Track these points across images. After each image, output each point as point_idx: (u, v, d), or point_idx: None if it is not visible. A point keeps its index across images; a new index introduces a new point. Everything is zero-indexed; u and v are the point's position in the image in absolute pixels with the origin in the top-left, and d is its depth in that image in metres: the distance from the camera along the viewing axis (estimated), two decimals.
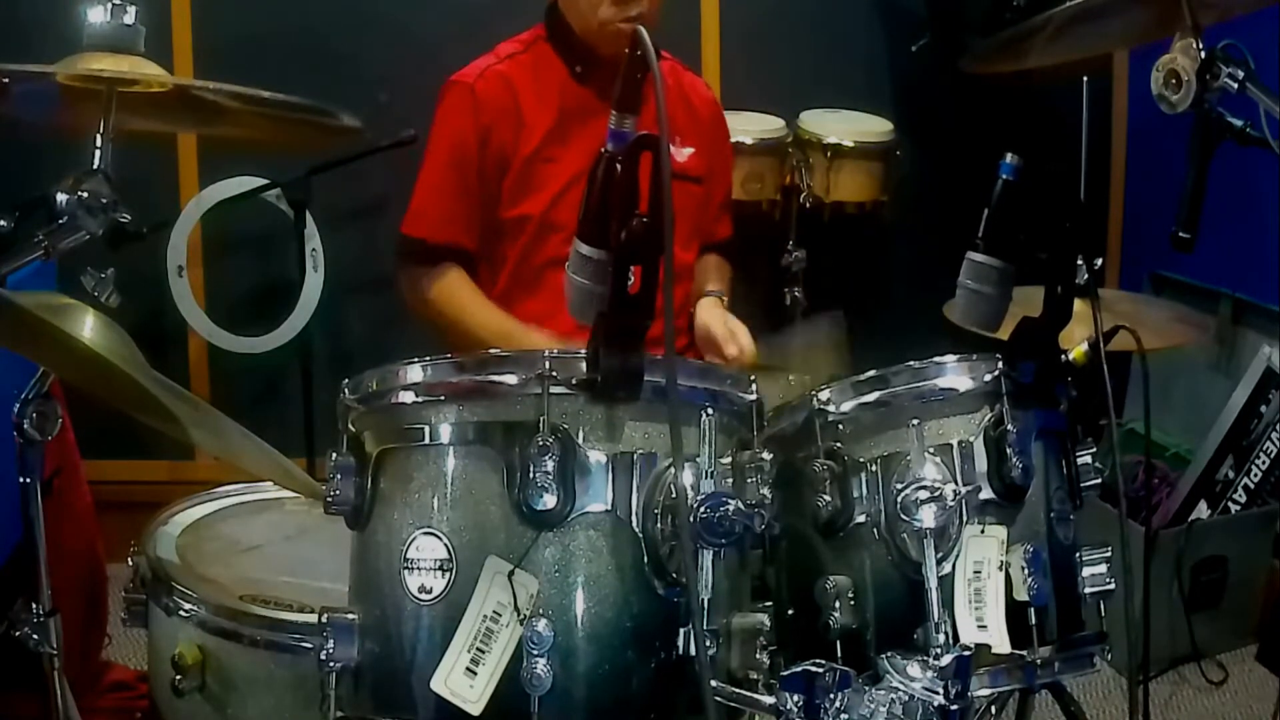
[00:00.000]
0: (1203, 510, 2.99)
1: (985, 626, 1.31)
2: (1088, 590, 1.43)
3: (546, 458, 1.17)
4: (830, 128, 3.19)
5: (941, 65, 3.15)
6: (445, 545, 1.20)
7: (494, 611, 1.16)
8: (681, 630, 1.20)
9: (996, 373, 1.40)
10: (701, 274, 2.40)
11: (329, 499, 1.27)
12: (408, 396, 1.27)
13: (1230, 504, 2.99)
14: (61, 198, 1.40)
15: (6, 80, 1.53)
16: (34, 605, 1.54)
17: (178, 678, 1.57)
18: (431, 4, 3.34)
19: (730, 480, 1.24)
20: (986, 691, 1.35)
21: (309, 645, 1.48)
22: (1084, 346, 1.46)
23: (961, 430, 1.39)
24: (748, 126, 3.12)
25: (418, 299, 2.26)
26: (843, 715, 1.14)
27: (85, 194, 1.41)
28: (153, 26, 1.54)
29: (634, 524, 1.20)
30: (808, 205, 3.16)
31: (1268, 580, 3.01)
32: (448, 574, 1.19)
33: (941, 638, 1.27)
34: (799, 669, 1.13)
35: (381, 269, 3.35)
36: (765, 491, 1.24)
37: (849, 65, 3.54)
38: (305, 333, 3.12)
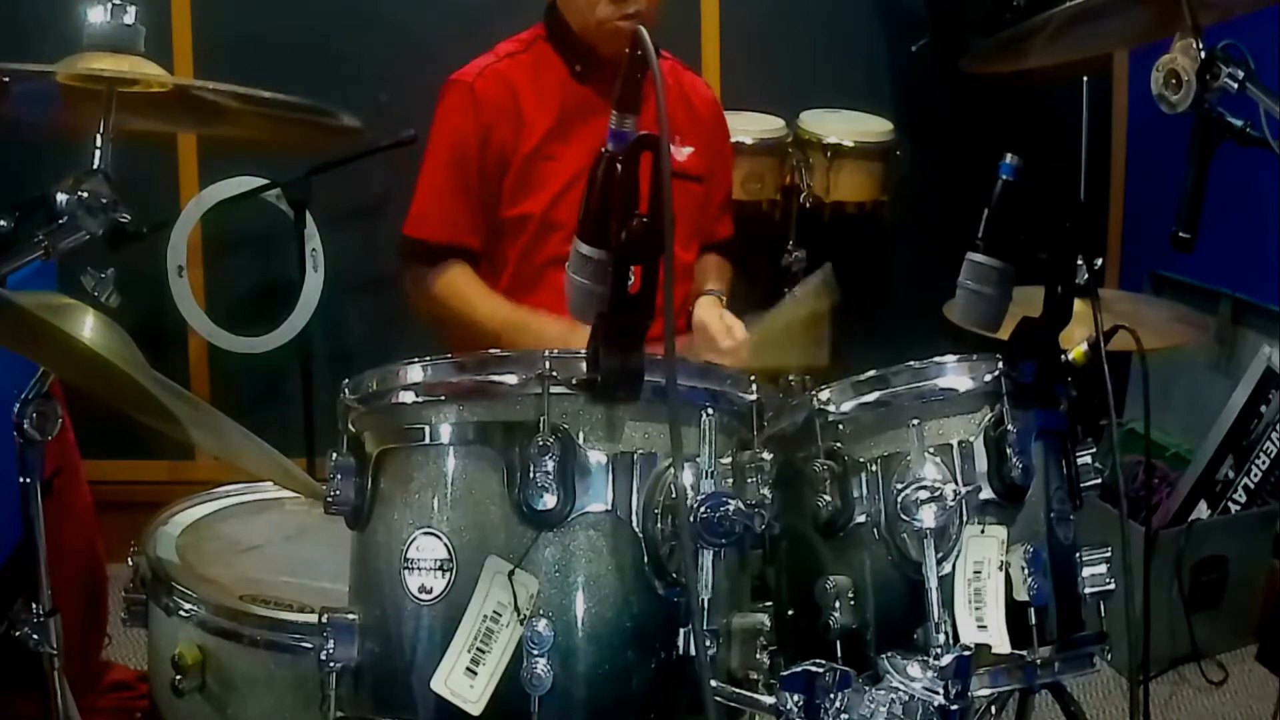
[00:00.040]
0: (1203, 510, 2.99)
1: (985, 626, 1.31)
2: (1088, 590, 1.43)
3: (546, 458, 1.17)
4: (830, 128, 3.19)
5: (941, 65, 3.15)
6: (445, 545, 1.20)
7: (494, 611, 1.16)
8: (681, 630, 1.20)
9: (996, 373, 1.40)
10: (701, 273, 2.40)
11: (329, 499, 1.27)
12: (408, 396, 1.27)
13: (1230, 504, 2.99)
14: (61, 198, 1.40)
15: (7, 80, 1.53)
16: (34, 605, 1.54)
17: (178, 678, 1.57)
18: (431, 4, 3.34)
19: (730, 480, 1.24)
20: (986, 691, 1.35)
21: (309, 645, 1.48)
22: (1084, 346, 1.46)
23: (961, 430, 1.39)
24: (748, 126, 3.12)
25: (423, 298, 2.26)
26: (843, 715, 1.14)
27: (85, 194, 1.41)
28: (153, 26, 1.54)
29: (634, 524, 1.20)
30: (808, 205, 3.16)
31: (1268, 580, 3.01)
32: (448, 574, 1.19)
33: (941, 638, 1.27)
34: (799, 669, 1.13)
35: (381, 269, 3.36)
36: (765, 491, 1.24)
37: (849, 65, 3.54)
38: (305, 333, 3.12)
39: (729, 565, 1.25)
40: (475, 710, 1.15)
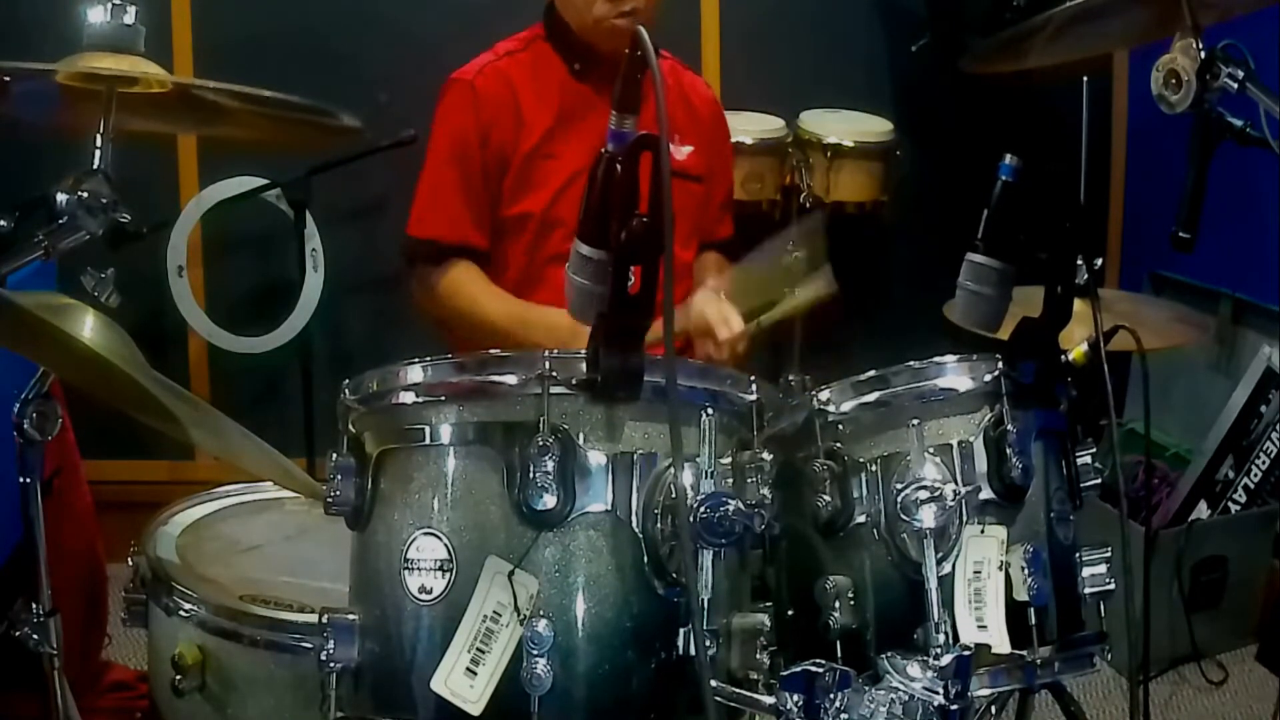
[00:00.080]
0: (1203, 510, 2.99)
1: (985, 626, 1.31)
2: (1088, 590, 1.43)
3: (546, 458, 1.17)
4: (830, 128, 3.19)
5: (941, 65, 3.15)
6: (445, 545, 1.20)
7: (494, 611, 1.16)
8: (681, 630, 1.20)
9: (996, 373, 1.40)
10: (700, 271, 2.40)
11: (329, 499, 1.27)
12: (408, 397, 1.27)
13: (1230, 504, 2.99)
14: (61, 198, 1.40)
15: (7, 79, 1.53)
16: (34, 605, 1.54)
17: (178, 678, 1.57)
18: (431, 4, 3.34)
19: (730, 480, 1.24)
20: (986, 691, 1.35)
21: (309, 645, 1.48)
22: (1084, 346, 1.46)
23: (961, 430, 1.39)
24: (748, 126, 3.12)
25: (429, 298, 2.24)
26: (843, 715, 1.14)
27: (85, 194, 1.41)
28: (153, 26, 1.54)
29: (634, 524, 1.20)
30: (808, 205, 3.16)
31: (1268, 580, 3.01)
32: (448, 574, 1.19)
33: (941, 638, 1.27)
34: (799, 669, 1.13)
35: (381, 269, 3.37)
36: (765, 491, 1.23)
37: (849, 65, 3.54)
38: (305, 333, 3.12)
39: (729, 565, 1.25)
40: (475, 710, 1.15)
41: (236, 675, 1.58)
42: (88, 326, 1.39)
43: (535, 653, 1.14)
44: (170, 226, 3.12)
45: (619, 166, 1.17)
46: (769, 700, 1.16)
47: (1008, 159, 1.43)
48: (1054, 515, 1.42)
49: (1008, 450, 1.36)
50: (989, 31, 2.33)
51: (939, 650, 1.24)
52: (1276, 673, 2.88)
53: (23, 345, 1.44)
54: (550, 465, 1.17)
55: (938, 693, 1.19)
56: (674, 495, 1.18)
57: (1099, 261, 2.72)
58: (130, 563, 1.74)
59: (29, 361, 1.51)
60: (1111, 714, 2.73)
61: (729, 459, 1.26)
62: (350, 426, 1.32)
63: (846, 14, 3.54)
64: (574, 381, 1.20)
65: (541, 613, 1.16)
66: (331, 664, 1.24)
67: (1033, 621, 1.33)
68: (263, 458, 1.59)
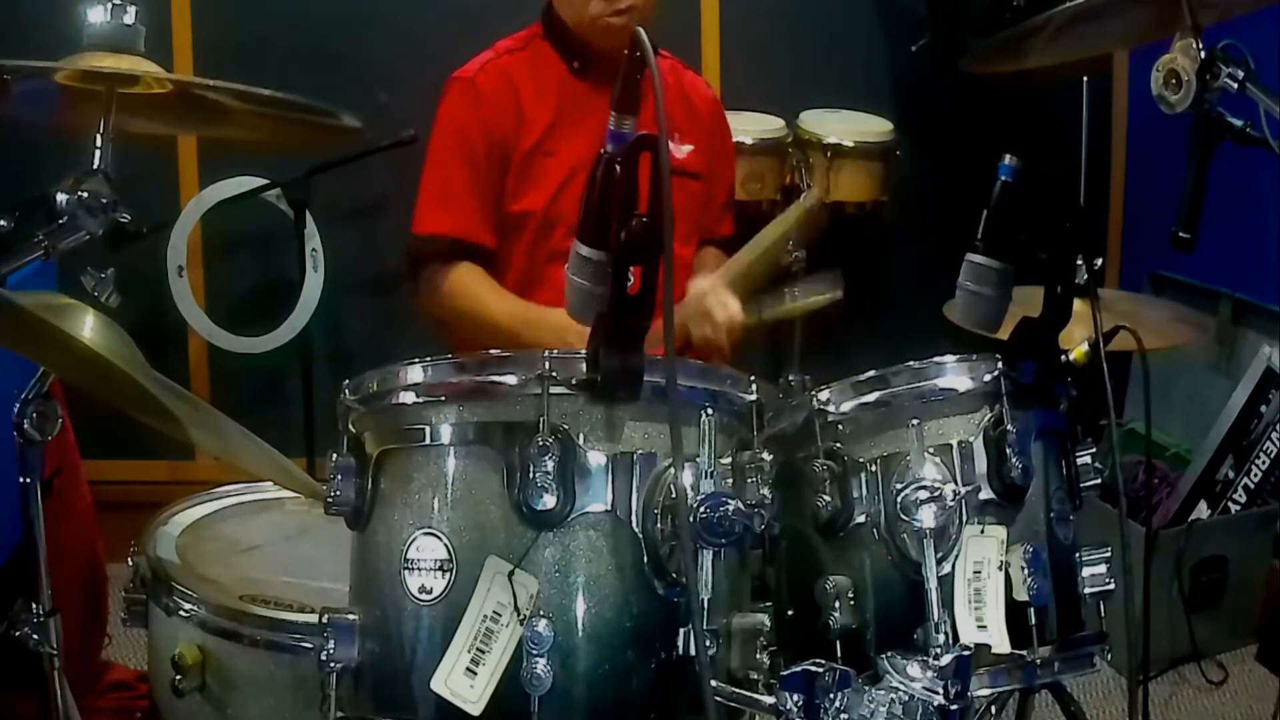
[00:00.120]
0: (1203, 510, 2.99)
1: (985, 626, 1.31)
2: (1088, 590, 1.43)
3: (546, 458, 1.17)
4: (830, 128, 3.19)
5: (941, 65, 3.15)
6: (445, 545, 1.20)
7: (494, 611, 1.16)
8: (681, 630, 1.20)
9: (996, 373, 1.40)
10: (699, 266, 2.40)
11: (329, 500, 1.27)
12: (408, 397, 1.27)
13: (1230, 504, 2.99)
14: (61, 198, 1.40)
15: (8, 77, 1.53)
16: (34, 605, 1.54)
17: (178, 678, 1.57)
18: (431, 4, 3.34)
19: (730, 480, 1.24)
20: (986, 691, 1.35)
21: (309, 645, 1.48)
22: (1084, 346, 1.46)
23: (961, 430, 1.39)
24: (748, 126, 3.12)
25: (432, 298, 2.23)
26: (843, 715, 1.14)
27: (85, 194, 1.41)
28: (153, 26, 1.54)
29: (634, 524, 1.20)
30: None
31: (1268, 580, 3.01)
32: (448, 574, 1.19)
33: (941, 638, 1.27)
34: (799, 669, 1.13)
35: (381, 269, 3.37)
36: (765, 491, 1.23)
37: (849, 65, 3.54)
38: (305, 333, 3.12)
39: (729, 565, 1.25)
40: (475, 710, 1.15)
41: (236, 675, 1.58)
42: (88, 326, 1.39)
43: (535, 653, 1.14)
44: (170, 226, 3.12)
45: (618, 167, 1.17)
46: (769, 700, 1.16)
47: (1007, 159, 1.43)
48: (1054, 515, 1.42)
49: (1008, 450, 1.36)
50: (989, 31, 2.33)
51: (939, 650, 1.24)
52: (1276, 673, 2.88)
53: (23, 345, 1.44)
54: (550, 465, 1.17)
55: (938, 693, 1.19)
56: (674, 495, 1.18)
57: (1099, 261, 2.73)
58: (130, 563, 1.74)
59: (29, 361, 1.51)
60: (1111, 714, 2.73)
61: (729, 459, 1.26)
62: (350, 426, 1.32)
63: (846, 14, 3.54)
64: (574, 381, 1.20)
65: (541, 613, 1.16)
66: (331, 664, 1.24)
67: (1033, 621, 1.33)
68: (263, 458, 1.59)
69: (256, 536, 1.87)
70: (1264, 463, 2.97)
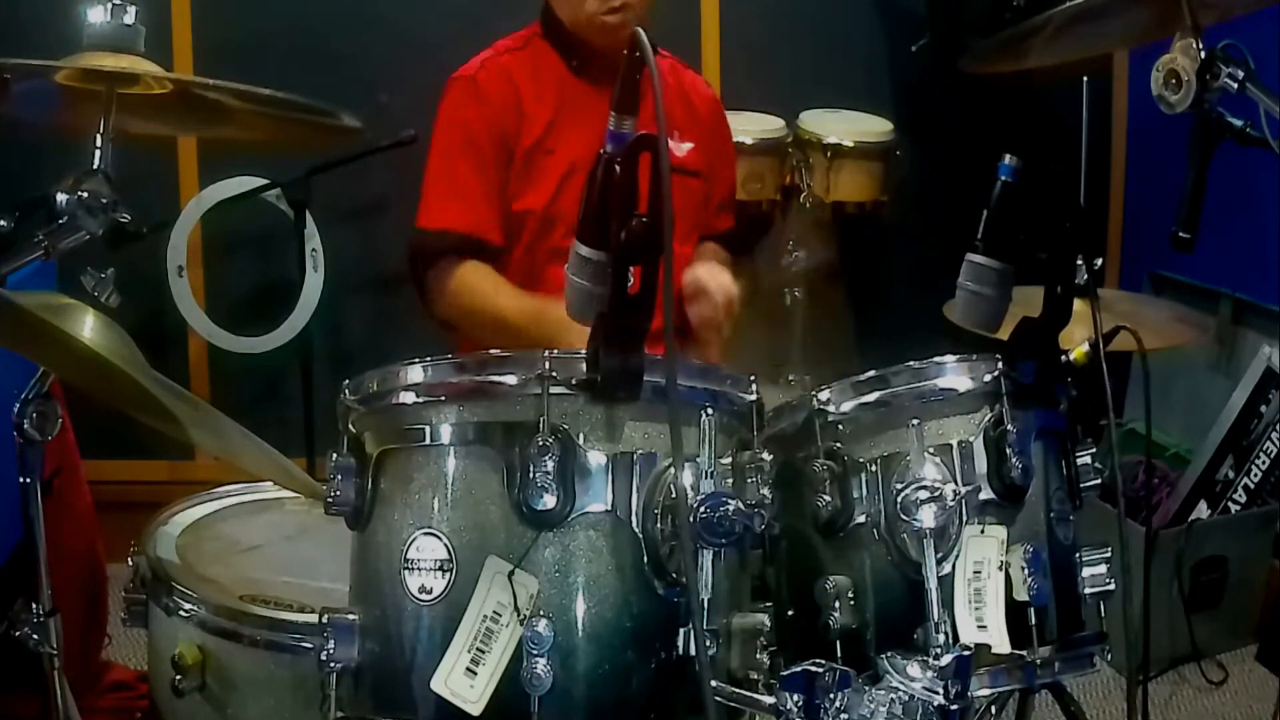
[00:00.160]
0: (1203, 510, 2.99)
1: (985, 626, 1.31)
2: (1088, 590, 1.43)
3: (546, 458, 1.17)
4: (830, 128, 3.19)
5: (941, 65, 3.15)
6: (445, 545, 1.20)
7: (494, 611, 1.16)
8: (681, 630, 1.20)
9: (996, 373, 1.40)
10: (697, 259, 2.40)
11: (329, 499, 1.27)
12: (408, 397, 1.27)
13: (1230, 504, 2.99)
14: (61, 198, 1.40)
15: (8, 76, 1.53)
16: (34, 605, 1.54)
17: (178, 678, 1.57)
18: (431, 4, 3.35)
19: (730, 480, 1.24)
20: (986, 691, 1.35)
21: (309, 645, 1.48)
22: (1084, 346, 1.46)
23: (961, 430, 1.39)
24: (748, 126, 3.13)
25: (438, 297, 2.20)
26: (843, 715, 1.13)
27: (85, 194, 1.41)
28: (153, 26, 1.54)
29: (634, 524, 1.20)
30: (808, 205, 3.16)
31: (1268, 580, 3.01)
32: (448, 574, 1.19)
33: (941, 638, 1.27)
34: (799, 669, 1.13)
35: (381, 269, 3.37)
36: (765, 491, 1.23)
37: (849, 65, 3.54)
38: (305, 333, 3.12)
39: (729, 565, 1.25)
40: (475, 710, 1.15)
41: (236, 675, 1.58)
42: (88, 326, 1.39)
43: (535, 653, 1.14)
44: (170, 226, 3.12)
45: (618, 167, 1.17)
46: (769, 700, 1.16)
47: (1007, 159, 1.43)
48: (1054, 515, 1.42)
49: (1008, 450, 1.36)
50: (989, 31, 2.33)
51: (939, 650, 1.24)
52: (1276, 673, 2.88)
53: (23, 345, 1.44)
54: (550, 465, 1.17)
55: (938, 693, 1.19)
56: (674, 495, 1.18)
57: (1099, 261, 2.73)
58: (130, 563, 1.74)
59: (29, 361, 1.51)
60: (1111, 714, 2.73)
61: (729, 459, 1.26)
62: (350, 426, 1.32)
63: (846, 14, 3.54)
64: (574, 381, 1.20)
65: (541, 613, 1.16)
66: (331, 664, 1.24)
67: (1033, 621, 1.33)
68: (263, 458, 1.59)
69: (256, 536, 1.87)
70: (1264, 463, 2.98)
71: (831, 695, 1.13)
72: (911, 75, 3.47)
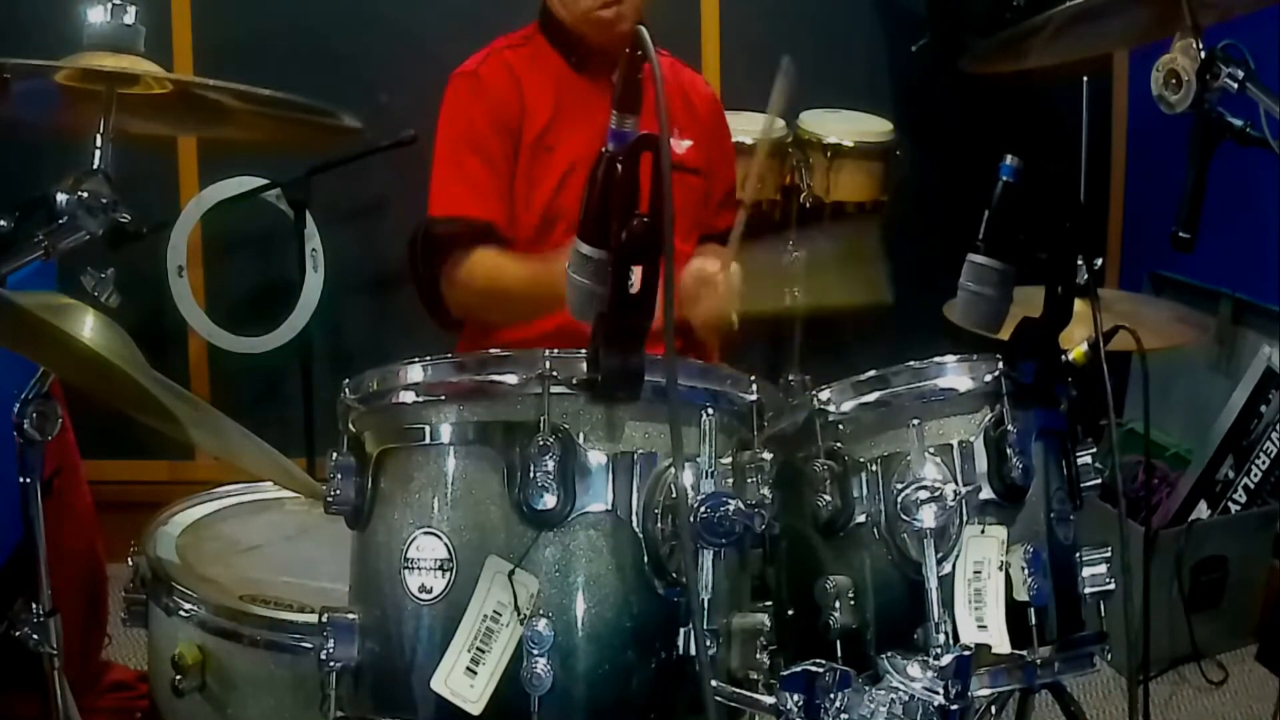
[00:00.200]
0: (1203, 510, 2.99)
1: (985, 626, 1.31)
2: (1088, 590, 1.43)
3: (546, 458, 1.17)
4: (830, 128, 3.19)
5: (941, 65, 3.15)
6: (445, 545, 1.20)
7: (494, 611, 1.16)
8: (681, 630, 1.20)
9: (996, 373, 1.40)
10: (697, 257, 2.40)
11: (329, 499, 1.27)
12: (408, 396, 1.27)
13: (1230, 504, 2.99)
14: (61, 198, 1.40)
15: (8, 76, 1.53)
16: (34, 605, 1.54)
17: (178, 678, 1.57)
18: (431, 4, 3.34)
19: (730, 480, 1.24)
20: (986, 691, 1.35)
21: (309, 645, 1.48)
22: (1084, 346, 1.46)
23: (961, 430, 1.39)
24: (748, 126, 3.12)
25: (450, 284, 2.15)
26: (843, 715, 1.13)
27: (85, 194, 1.41)
28: (153, 26, 1.54)
29: (634, 524, 1.20)
30: (808, 205, 3.16)
31: (1268, 580, 3.01)
32: (448, 574, 1.19)
33: (941, 638, 1.27)
34: (799, 669, 1.13)
35: (381, 269, 3.37)
36: (765, 491, 1.23)
37: (849, 65, 3.54)
38: (305, 333, 3.12)
39: (729, 565, 1.25)
40: (475, 710, 1.15)
41: (236, 675, 1.58)
42: (88, 326, 1.39)
43: (535, 652, 1.14)
44: (170, 226, 3.12)
45: (619, 166, 1.17)
46: (769, 700, 1.16)
47: (1008, 159, 1.43)
48: (1054, 515, 1.42)
49: (1008, 450, 1.36)
50: (989, 31, 2.32)
51: (939, 650, 1.24)
52: (1276, 673, 2.88)
53: (23, 345, 1.44)
54: (550, 465, 1.17)
55: (938, 693, 1.19)
56: (674, 495, 1.18)
57: (1099, 261, 2.72)
58: (130, 563, 1.74)
59: (29, 361, 1.51)
60: (1111, 714, 2.73)
61: (729, 459, 1.26)
62: (350, 426, 1.32)
63: (846, 14, 3.54)
64: (574, 381, 1.20)
65: (541, 612, 1.16)
66: (331, 664, 1.24)
67: (1033, 621, 1.33)
68: (263, 458, 1.59)
69: (256, 536, 1.87)
70: (1264, 463, 2.97)
71: (831, 695, 1.13)
72: (911, 75, 3.47)
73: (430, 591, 1.20)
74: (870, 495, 1.38)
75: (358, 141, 2.76)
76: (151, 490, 2.89)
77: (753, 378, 1.33)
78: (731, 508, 1.15)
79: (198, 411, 1.52)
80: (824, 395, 1.42)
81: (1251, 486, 2.98)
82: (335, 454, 1.28)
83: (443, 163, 2.20)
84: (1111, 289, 3.30)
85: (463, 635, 1.16)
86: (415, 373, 1.26)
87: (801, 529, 1.41)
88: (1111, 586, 1.43)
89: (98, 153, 1.47)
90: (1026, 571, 1.33)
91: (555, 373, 1.19)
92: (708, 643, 1.17)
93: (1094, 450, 1.47)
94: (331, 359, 3.29)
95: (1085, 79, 2.79)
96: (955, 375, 1.41)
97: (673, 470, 1.18)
